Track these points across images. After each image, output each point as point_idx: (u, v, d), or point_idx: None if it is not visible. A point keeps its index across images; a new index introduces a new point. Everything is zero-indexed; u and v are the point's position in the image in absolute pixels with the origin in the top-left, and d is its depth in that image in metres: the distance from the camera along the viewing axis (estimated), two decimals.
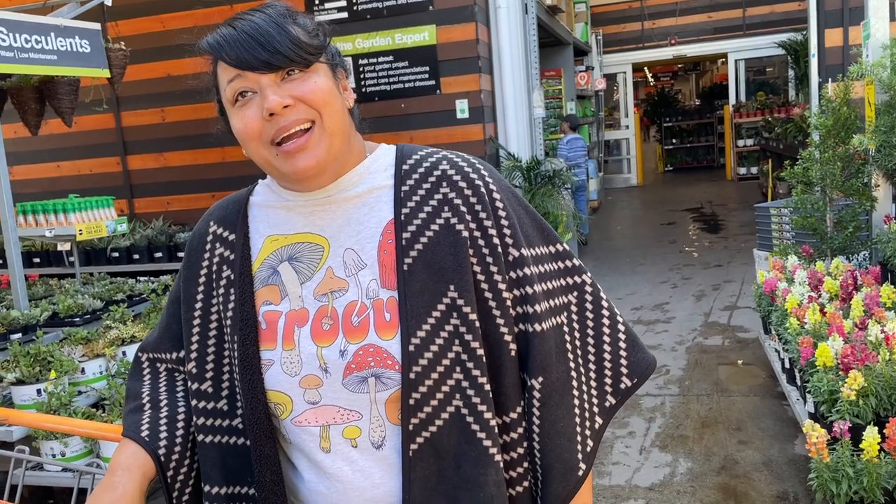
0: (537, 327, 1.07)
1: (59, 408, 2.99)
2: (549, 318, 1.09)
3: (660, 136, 17.02)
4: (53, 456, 3.03)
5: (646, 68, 18.83)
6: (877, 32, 4.04)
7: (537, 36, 7.11)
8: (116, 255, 5.68)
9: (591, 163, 10.74)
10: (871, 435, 2.44)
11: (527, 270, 1.08)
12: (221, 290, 1.11)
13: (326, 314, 1.05)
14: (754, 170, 12.38)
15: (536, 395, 1.06)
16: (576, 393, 1.10)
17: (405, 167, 1.10)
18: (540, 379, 1.06)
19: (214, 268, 1.13)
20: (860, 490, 2.44)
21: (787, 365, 3.56)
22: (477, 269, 1.05)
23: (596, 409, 1.12)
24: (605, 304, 1.15)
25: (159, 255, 5.66)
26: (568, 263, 1.14)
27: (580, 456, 1.08)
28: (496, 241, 1.06)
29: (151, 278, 4.85)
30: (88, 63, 3.97)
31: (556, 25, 8.29)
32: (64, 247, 4.99)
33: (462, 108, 6.26)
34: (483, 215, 1.06)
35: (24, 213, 4.31)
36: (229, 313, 1.09)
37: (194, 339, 1.13)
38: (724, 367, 4.40)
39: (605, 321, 1.14)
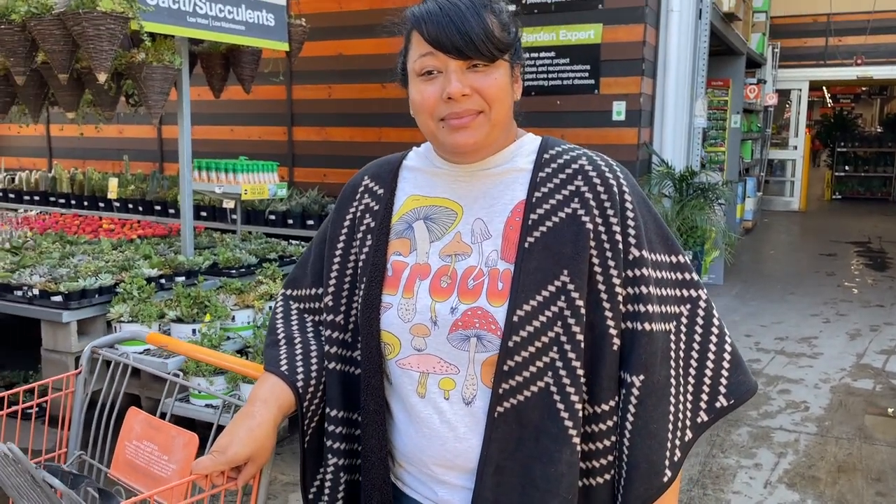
0: (647, 326, 1.10)
1: (210, 348, 3.26)
2: (659, 321, 1.12)
3: (831, 162, 15.87)
4: (199, 393, 3.31)
5: (824, 88, 17.57)
6: None
7: (709, 43, 6.83)
8: (273, 217, 6.07)
9: (749, 180, 10.21)
10: None
11: (644, 271, 1.12)
12: (360, 236, 1.23)
13: (447, 273, 1.14)
14: None
15: (635, 392, 1.10)
16: (672, 400, 1.13)
17: (546, 156, 1.17)
18: (641, 377, 1.10)
19: (359, 215, 1.24)
20: None
21: None
22: (595, 260, 1.10)
23: (688, 423, 1.15)
24: (716, 321, 1.18)
25: (311, 222, 5.99)
26: (686, 276, 1.18)
27: (667, 462, 1.11)
28: (619, 237, 1.11)
29: (302, 242, 5.15)
30: (271, 36, 4.26)
31: (731, 34, 7.93)
32: (228, 204, 5.40)
33: (619, 109, 6.14)
34: (611, 212, 1.12)
35: (198, 168, 4.71)
36: (363, 257, 1.21)
37: (333, 275, 1.24)
38: (872, 414, 4.07)
39: (713, 338, 1.17)
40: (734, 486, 3.24)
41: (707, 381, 1.16)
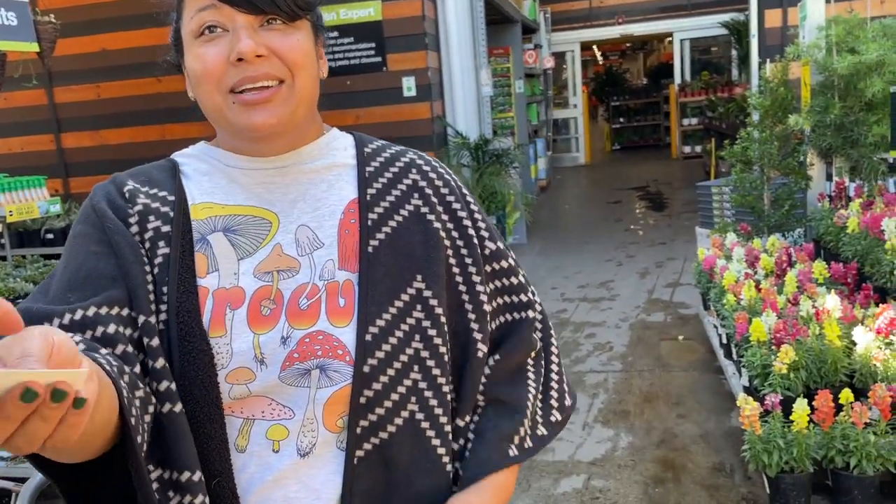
0: (528, 314, 1.04)
1: None
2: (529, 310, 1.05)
3: (608, 115, 17.20)
4: None
5: (594, 47, 18.94)
6: (813, 14, 4.13)
7: (484, 13, 7.07)
8: (51, 236, 5.49)
9: (539, 141, 10.80)
10: (800, 407, 2.52)
11: (508, 262, 1.04)
12: (147, 244, 0.89)
13: (269, 296, 0.90)
14: (698, 148, 12.62)
15: (493, 365, 1.00)
16: (532, 391, 1.02)
17: (367, 150, 1.03)
18: (509, 356, 1.01)
19: (138, 218, 0.91)
20: (790, 460, 2.52)
21: (724, 340, 3.66)
22: (452, 260, 0.98)
23: (540, 420, 1.03)
24: (552, 332, 1.10)
25: None
26: (514, 280, 1.06)
27: (517, 439, 0.98)
28: (471, 231, 1.01)
29: None
30: (15, 36, 3.79)
31: (504, 2, 8.26)
32: None
33: (409, 85, 6.20)
34: (457, 205, 1.01)
35: None
36: (155, 269, 0.88)
37: (150, 286, 0.88)
38: (666, 343, 4.50)
39: (553, 348, 1.09)
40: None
41: (555, 381, 1.07)
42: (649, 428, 3.41)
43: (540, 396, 1.04)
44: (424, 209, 0.99)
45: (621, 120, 16.45)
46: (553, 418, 1.04)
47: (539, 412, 1.03)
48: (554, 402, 1.05)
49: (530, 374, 1.03)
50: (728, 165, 8.18)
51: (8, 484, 1.65)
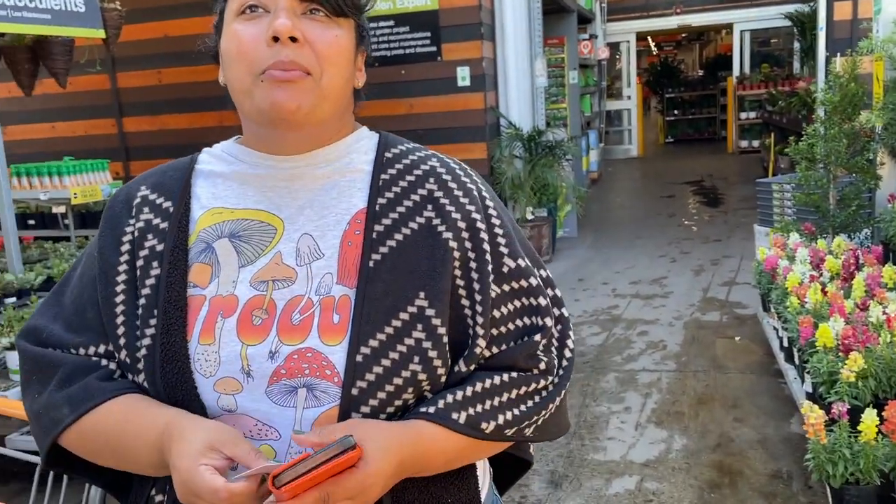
0: (542, 339, 0.95)
1: None
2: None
3: (661, 107, 16.87)
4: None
5: (649, 37, 18.59)
6: (888, 6, 3.96)
7: (541, 2, 6.98)
8: None
9: (591, 133, 10.65)
10: (869, 417, 2.43)
11: (530, 281, 0.95)
12: (141, 262, 0.92)
13: (261, 306, 0.88)
14: (756, 143, 12.30)
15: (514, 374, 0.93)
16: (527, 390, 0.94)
17: (388, 155, 0.97)
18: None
19: (137, 235, 0.93)
20: (856, 471, 2.44)
21: (785, 343, 3.55)
22: (460, 282, 0.91)
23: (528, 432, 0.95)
24: (570, 353, 1.00)
25: None
26: (552, 293, 1.00)
27: (493, 421, 0.90)
28: (487, 247, 0.93)
29: None
30: (83, 23, 3.88)
31: None
32: (59, 209, 4.94)
33: (463, 75, 6.17)
34: (477, 216, 0.93)
35: (17, 175, 4.26)
36: (146, 290, 0.90)
37: (120, 319, 0.91)
38: (722, 344, 4.40)
39: (561, 370, 0.99)
40: (608, 433, 3.39)
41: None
42: (704, 431, 3.34)
43: (516, 393, 0.93)
44: (436, 221, 0.92)
45: (675, 112, 16.11)
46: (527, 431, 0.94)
47: (503, 403, 0.92)
48: (533, 418, 0.94)
49: (514, 374, 0.93)
50: (788, 162, 7.95)
51: (30, 457, 1.64)
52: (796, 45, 11.92)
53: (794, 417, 3.34)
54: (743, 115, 12.86)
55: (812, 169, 4.37)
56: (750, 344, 4.34)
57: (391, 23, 6.15)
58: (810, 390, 2.91)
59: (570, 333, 1.00)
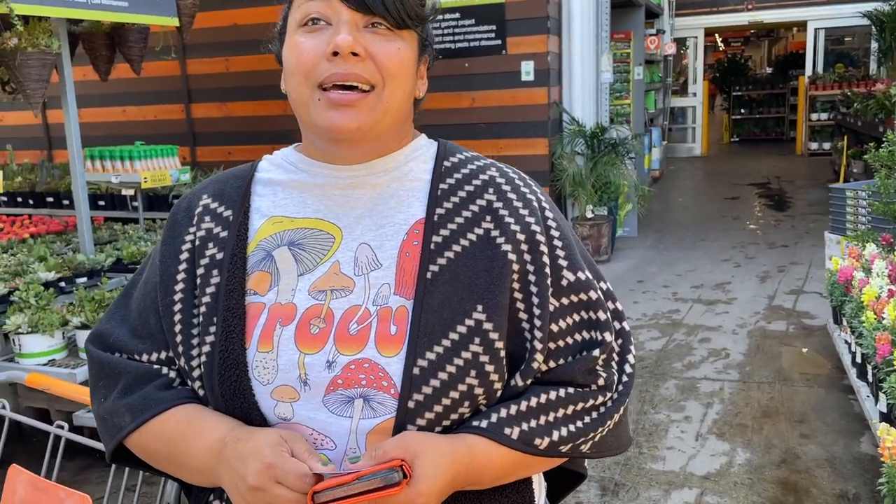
0: (602, 354, 0.93)
1: None
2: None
3: (727, 105, 16.42)
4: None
5: (716, 33, 18.10)
6: None
7: None
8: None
9: (655, 130, 10.44)
10: None
11: (590, 295, 0.93)
12: (201, 271, 0.93)
13: (319, 315, 0.88)
14: (827, 145, 11.86)
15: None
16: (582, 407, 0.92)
17: (447, 164, 0.96)
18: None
19: (198, 243, 0.94)
20: None
21: (858, 359, 3.41)
22: (518, 295, 0.89)
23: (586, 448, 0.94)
24: (630, 368, 0.98)
25: None
26: (612, 306, 0.97)
27: (546, 436, 0.88)
28: (546, 259, 0.91)
29: None
30: (159, 11, 3.95)
31: None
32: (128, 191, 5.08)
33: (527, 69, 6.09)
34: (536, 228, 0.92)
35: (91, 158, 4.38)
36: (206, 298, 0.91)
37: (178, 328, 0.93)
38: (788, 355, 4.25)
39: (621, 386, 0.97)
40: (667, 442, 3.31)
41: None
42: (769, 445, 3.23)
43: (572, 409, 0.91)
44: (495, 232, 0.91)
45: (742, 111, 15.66)
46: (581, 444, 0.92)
47: (560, 418, 0.90)
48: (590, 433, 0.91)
49: (571, 390, 0.91)
50: (862, 166, 7.64)
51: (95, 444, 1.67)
52: (873, 44, 11.43)
53: (865, 437, 3.21)
54: (814, 116, 12.42)
55: (891, 177, 4.18)
56: (818, 357, 4.18)
57: (456, 15, 6.12)
58: (885, 410, 2.79)
59: (632, 348, 0.98)
